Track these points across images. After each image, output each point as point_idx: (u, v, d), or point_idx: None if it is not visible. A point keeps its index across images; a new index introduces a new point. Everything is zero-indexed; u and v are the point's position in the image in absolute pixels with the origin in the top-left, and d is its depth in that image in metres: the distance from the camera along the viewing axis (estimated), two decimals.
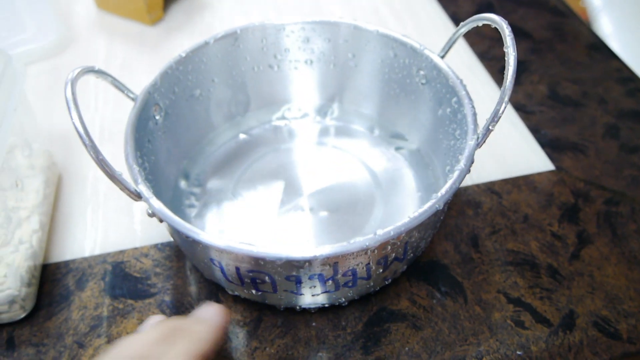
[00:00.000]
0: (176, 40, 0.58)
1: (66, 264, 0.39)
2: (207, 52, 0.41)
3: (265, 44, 0.43)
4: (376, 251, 0.29)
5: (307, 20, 0.42)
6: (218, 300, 0.37)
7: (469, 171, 0.31)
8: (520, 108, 0.50)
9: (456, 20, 0.60)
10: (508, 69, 0.32)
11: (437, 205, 0.29)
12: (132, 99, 0.36)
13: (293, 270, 0.29)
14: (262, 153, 0.44)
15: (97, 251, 0.40)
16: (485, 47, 0.57)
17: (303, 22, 0.42)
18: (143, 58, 0.56)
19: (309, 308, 0.35)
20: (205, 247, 0.29)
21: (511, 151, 0.46)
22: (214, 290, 0.37)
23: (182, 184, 0.42)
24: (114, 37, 0.59)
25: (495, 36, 0.58)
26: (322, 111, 0.47)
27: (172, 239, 0.39)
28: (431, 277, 0.38)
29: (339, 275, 0.30)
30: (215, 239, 0.28)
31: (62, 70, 0.55)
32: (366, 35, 0.41)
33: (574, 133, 0.48)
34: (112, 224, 0.42)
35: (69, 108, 0.29)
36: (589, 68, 0.54)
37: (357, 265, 0.30)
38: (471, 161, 0.32)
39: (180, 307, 0.36)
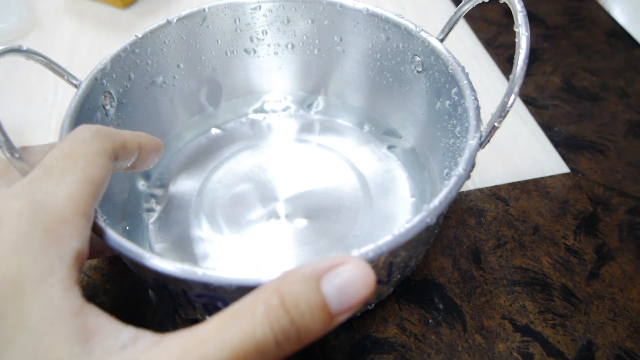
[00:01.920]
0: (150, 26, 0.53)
1: None
2: (170, 33, 0.35)
3: (239, 24, 0.37)
4: None
5: None
6: (175, 324, 0.31)
7: (468, 177, 0.26)
8: (531, 102, 0.44)
9: (458, 2, 0.55)
10: (519, 52, 0.26)
11: (428, 219, 0.23)
12: (75, 86, 0.31)
13: None
14: (235, 150, 0.39)
15: None
16: (492, 33, 0.51)
17: None
18: (113, 44, 0.51)
19: None
20: (142, 267, 0.24)
21: (520, 151, 0.41)
22: (170, 311, 0.32)
23: (141, 184, 0.36)
24: (82, 20, 0.54)
25: (503, 22, 0.52)
26: (305, 103, 0.42)
27: None
28: (424, 298, 0.32)
29: None
30: (150, 258, 0.22)
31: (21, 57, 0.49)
32: (354, 15, 0.36)
33: (591, 130, 0.42)
34: None
35: None
36: (609, 57, 0.48)
37: None
38: (472, 165, 0.26)
39: None
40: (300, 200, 0.35)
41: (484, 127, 0.27)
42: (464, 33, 0.51)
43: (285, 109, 0.42)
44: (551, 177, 0.38)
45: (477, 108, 0.28)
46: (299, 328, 0.18)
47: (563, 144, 0.41)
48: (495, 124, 0.27)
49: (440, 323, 0.31)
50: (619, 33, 0.51)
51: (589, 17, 0.53)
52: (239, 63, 0.40)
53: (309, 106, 0.42)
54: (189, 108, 0.39)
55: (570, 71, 0.47)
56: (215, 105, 0.41)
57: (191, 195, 0.36)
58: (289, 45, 0.39)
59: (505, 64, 0.48)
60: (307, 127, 0.40)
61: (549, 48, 0.50)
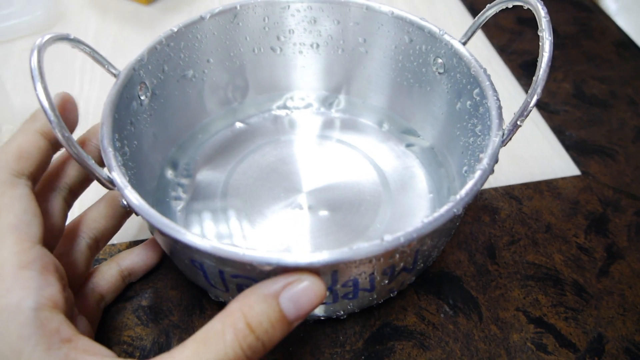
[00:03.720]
0: (172, 22, 0.54)
1: None
2: (202, 29, 0.37)
3: (267, 23, 0.39)
4: (382, 260, 0.25)
5: None
6: (202, 307, 0.33)
7: (492, 171, 0.27)
8: (543, 107, 0.46)
9: (474, 11, 0.56)
10: (543, 55, 0.28)
11: (455, 209, 0.25)
12: (114, 75, 0.32)
13: None
14: (260, 144, 0.40)
15: None
16: (505, 40, 0.53)
17: (310, 0, 0.38)
18: (136, 39, 0.52)
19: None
20: (185, 247, 0.25)
21: (533, 153, 0.42)
22: (197, 295, 0.33)
23: (169, 173, 0.38)
24: (105, 15, 0.55)
25: (515, 29, 0.54)
26: (327, 102, 0.43)
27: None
28: (442, 290, 0.33)
29: (338, 286, 0.26)
30: (193, 237, 0.24)
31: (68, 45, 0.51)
32: (379, 18, 0.37)
33: (601, 136, 0.43)
34: None
35: (33, 78, 0.25)
36: (617, 66, 0.50)
37: (360, 275, 0.26)
38: (495, 160, 0.28)
39: (158, 313, 0.32)
40: (322, 193, 0.37)
41: (506, 125, 0.29)
42: (478, 40, 0.53)
43: (307, 106, 0.43)
44: (563, 178, 0.40)
45: (500, 107, 0.30)
46: (264, 341, 0.22)
47: (574, 148, 0.42)
48: (518, 122, 0.28)
49: (457, 313, 0.32)
50: (627, 43, 0.53)
51: (598, 27, 0.55)
52: (265, 60, 0.41)
53: (331, 104, 0.43)
54: (215, 102, 0.41)
55: (580, 78, 0.49)
56: (240, 100, 0.42)
57: (217, 185, 0.37)
58: (314, 45, 0.41)
59: (518, 69, 0.50)
60: (328, 124, 0.42)
61: (560, 56, 0.51)
